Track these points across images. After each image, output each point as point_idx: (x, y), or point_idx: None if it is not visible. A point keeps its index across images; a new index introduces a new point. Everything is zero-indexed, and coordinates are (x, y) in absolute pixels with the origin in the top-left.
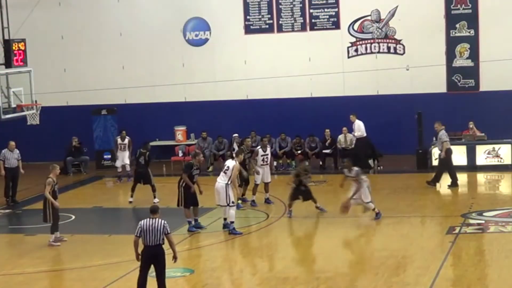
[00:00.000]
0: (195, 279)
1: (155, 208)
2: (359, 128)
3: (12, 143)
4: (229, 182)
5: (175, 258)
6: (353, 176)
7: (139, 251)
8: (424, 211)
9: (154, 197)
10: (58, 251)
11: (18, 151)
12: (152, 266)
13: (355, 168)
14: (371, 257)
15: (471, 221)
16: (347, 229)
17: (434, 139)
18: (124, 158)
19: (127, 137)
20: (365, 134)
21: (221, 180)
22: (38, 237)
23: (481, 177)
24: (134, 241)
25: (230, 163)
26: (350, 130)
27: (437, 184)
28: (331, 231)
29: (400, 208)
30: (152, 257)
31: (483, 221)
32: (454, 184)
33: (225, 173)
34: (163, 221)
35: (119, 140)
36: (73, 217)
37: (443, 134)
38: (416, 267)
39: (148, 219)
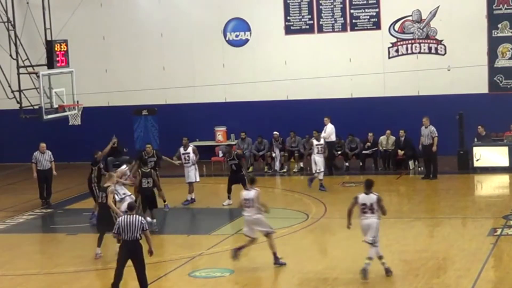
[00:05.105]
0: (235, 279)
1: (132, 205)
2: (329, 131)
3: (43, 145)
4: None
5: (151, 252)
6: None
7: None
8: (465, 213)
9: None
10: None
11: (50, 153)
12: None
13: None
14: (411, 258)
15: None
16: (388, 230)
17: (475, 139)
18: (322, 163)
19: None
20: (333, 139)
21: None
22: (79, 236)
23: None
24: (116, 238)
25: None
26: (393, 132)
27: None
28: None
29: (441, 209)
30: (130, 252)
31: None
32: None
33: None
34: (140, 217)
35: (315, 141)
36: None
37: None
38: (457, 269)
39: (125, 216)
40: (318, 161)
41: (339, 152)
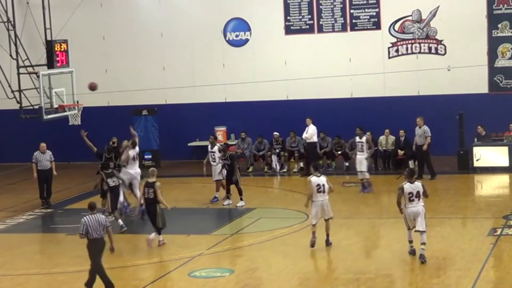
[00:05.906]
0: (235, 279)
1: (93, 205)
2: (311, 132)
3: (43, 145)
4: None
5: (112, 249)
6: None
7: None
8: (465, 213)
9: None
10: None
11: (50, 153)
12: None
13: None
14: (411, 258)
15: None
16: (388, 230)
17: (475, 139)
18: (362, 163)
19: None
20: (315, 140)
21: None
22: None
23: None
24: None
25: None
26: (392, 132)
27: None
28: (371, 232)
29: (441, 209)
30: (99, 249)
31: None
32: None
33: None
34: (103, 215)
35: (357, 138)
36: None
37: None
38: (457, 269)
39: (90, 216)
40: (360, 160)
41: (339, 152)
